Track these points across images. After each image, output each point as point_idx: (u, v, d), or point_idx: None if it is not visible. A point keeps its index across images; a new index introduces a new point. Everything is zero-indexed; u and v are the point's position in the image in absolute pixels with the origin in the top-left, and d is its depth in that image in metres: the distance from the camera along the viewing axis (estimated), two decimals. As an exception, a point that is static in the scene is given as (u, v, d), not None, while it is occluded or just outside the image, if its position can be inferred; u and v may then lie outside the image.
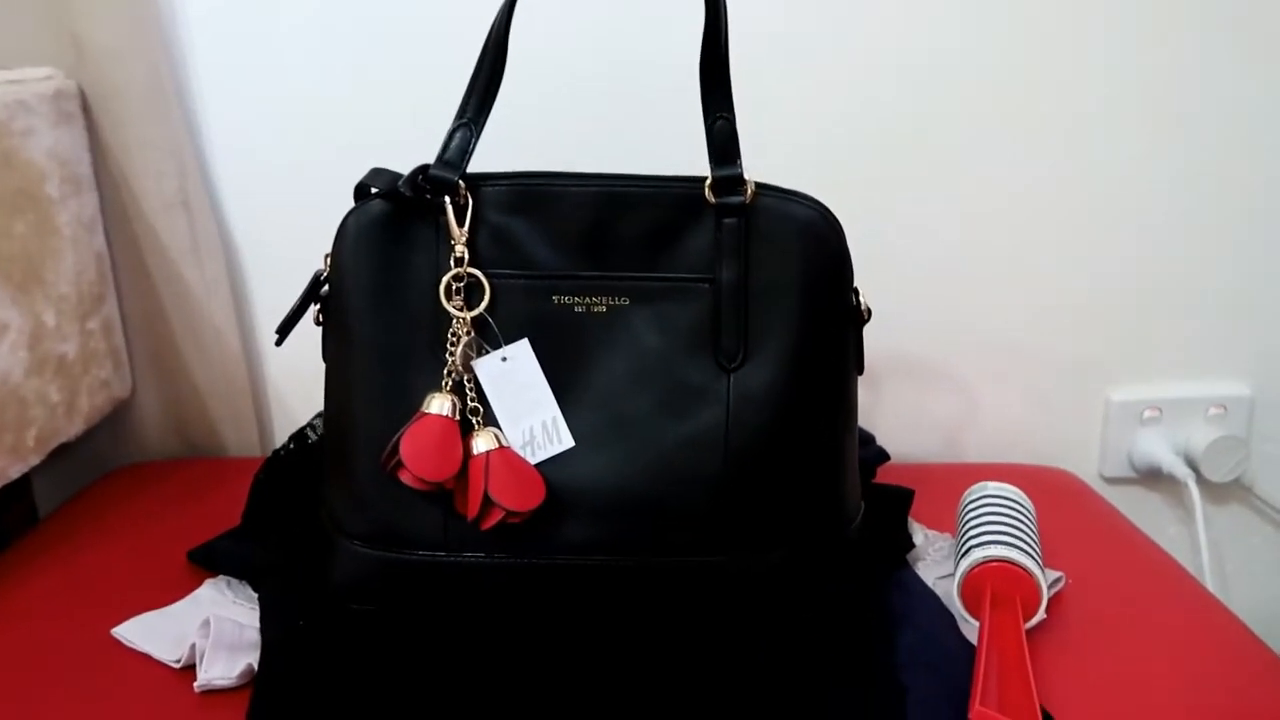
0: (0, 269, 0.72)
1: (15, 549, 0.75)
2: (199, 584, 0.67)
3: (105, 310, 0.85)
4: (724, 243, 0.58)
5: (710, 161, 0.58)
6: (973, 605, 0.62)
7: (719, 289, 0.58)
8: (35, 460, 0.77)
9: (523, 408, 0.58)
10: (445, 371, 0.58)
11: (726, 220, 0.58)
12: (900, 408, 0.95)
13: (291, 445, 0.76)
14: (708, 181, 0.58)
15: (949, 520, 0.75)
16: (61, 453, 0.86)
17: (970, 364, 0.95)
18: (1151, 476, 0.98)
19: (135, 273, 0.87)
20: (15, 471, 0.74)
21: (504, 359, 0.58)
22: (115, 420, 0.91)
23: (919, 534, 0.75)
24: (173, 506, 0.81)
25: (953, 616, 0.63)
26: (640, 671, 0.57)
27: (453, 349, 0.58)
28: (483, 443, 0.57)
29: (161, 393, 0.91)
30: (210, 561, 0.68)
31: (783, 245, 0.58)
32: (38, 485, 0.87)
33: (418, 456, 0.55)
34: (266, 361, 0.93)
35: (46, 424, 0.78)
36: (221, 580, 0.67)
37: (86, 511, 0.81)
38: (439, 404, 0.57)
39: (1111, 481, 0.99)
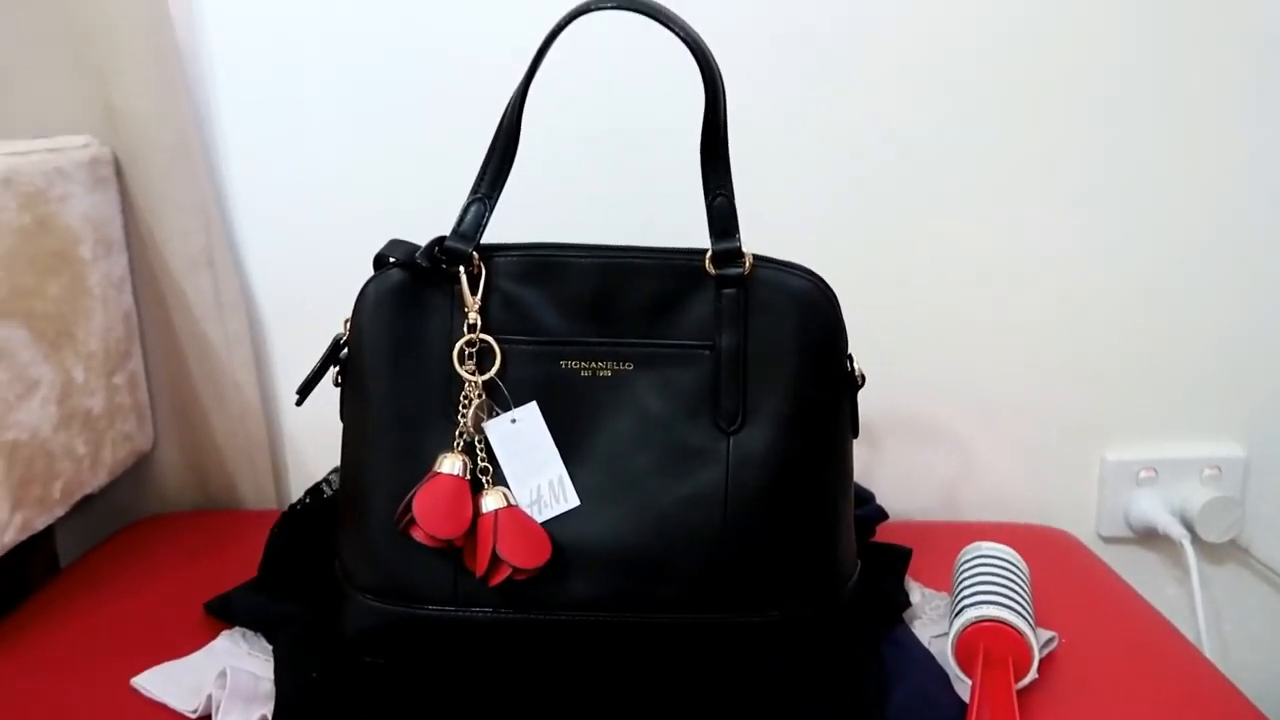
0: (34, 328, 0.76)
1: (36, 599, 0.78)
2: (215, 635, 0.69)
3: (131, 365, 0.88)
4: (724, 312, 0.61)
5: (710, 235, 0.61)
6: (966, 664, 0.64)
7: (719, 355, 0.61)
8: (60, 511, 0.79)
9: (530, 468, 0.61)
10: (457, 433, 0.60)
11: (726, 290, 0.61)
12: (899, 466, 0.97)
13: (307, 500, 0.79)
14: (708, 254, 0.61)
15: (947, 579, 0.77)
16: (84, 504, 0.89)
17: (968, 423, 0.97)
18: (1148, 536, 0.99)
19: (160, 329, 0.91)
20: (41, 523, 0.77)
21: (513, 421, 0.61)
22: (137, 472, 0.94)
23: (916, 592, 0.76)
24: (191, 558, 0.84)
25: (947, 675, 0.64)
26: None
27: (464, 411, 0.60)
28: (492, 501, 0.60)
29: (182, 446, 0.94)
30: (226, 613, 0.70)
31: (780, 315, 0.61)
32: (60, 535, 0.89)
33: (429, 514, 0.58)
34: (284, 418, 0.96)
35: (73, 476, 0.80)
36: (237, 632, 0.69)
37: (107, 562, 0.83)
38: (450, 464, 0.60)
39: (1109, 541, 1.00)
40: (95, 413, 0.83)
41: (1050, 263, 0.93)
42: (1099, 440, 0.98)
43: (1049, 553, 0.84)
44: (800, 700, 0.60)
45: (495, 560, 0.58)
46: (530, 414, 0.61)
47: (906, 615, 0.72)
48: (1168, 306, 0.95)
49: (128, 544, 0.86)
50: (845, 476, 0.65)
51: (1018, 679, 0.62)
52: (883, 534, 0.85)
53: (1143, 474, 0.97)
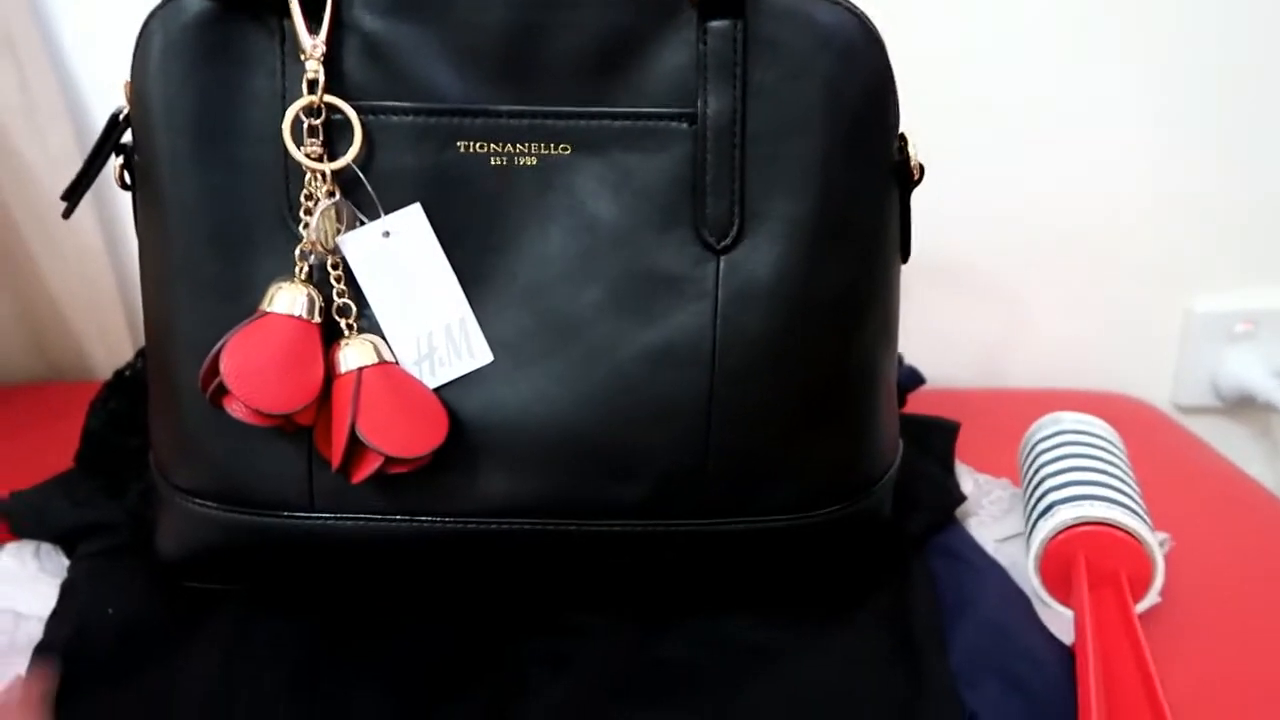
0: None
1: None
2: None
3: (-79, 193, 0.66)
4: (711, 56, 0.39)
5: (690, -73, 0.38)
6: (1057, 583, 0.45)
7: (703, 129, 0.39)
8: None
9: (414, 306, 0.40)
10: (298, 251, 0.39)
11: (714, 24, 0.39)
12: (931, 319, 0.76)
13: (139, 363, 0.58)
14: (685, -39, 0.39)
15: (1000, 462, 0.57)
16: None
17: (1019, 265, 0.76)
18: (1240, 405, 0.80)
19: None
20: None
21: (385, 233, 0.39)
22: (-45, 335, 0.73)
23: (967, 479, 0.57)
24: (10, 440, 0.64)
25: (1027, 598, 0.46)
26: (571, 691, 0.40)
27: (307, 217, 0.39)
28: (354, 356, 0.39)
29: (11, 304, 0.72)
30: (14, 518, 0.50)
31: (799, 62, 0.39)
32: None
33: (249, 376, 0.37)
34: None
35: None
36: (29, 546, 0.49)
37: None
38: (287, 298, 0.39)
39: (1188, 411, 0.81)
40: None
41: (1143, 72, 0.70)
42: (1183, 287, 0.78)
43: (1124, 429, 0.64)
44: (815, 643, 0.42)
45: (356, 444, 0.38)
46: (411, 222, 0.40)
47: (959, 512, 0.53)
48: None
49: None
50: (889, 316, 0.45)
51: (1136, 600, 0.43)
52: (914, 404, 0.65)
53: (1239, 327, 0.78)
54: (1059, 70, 0.71)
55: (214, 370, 0.37)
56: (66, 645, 0.40)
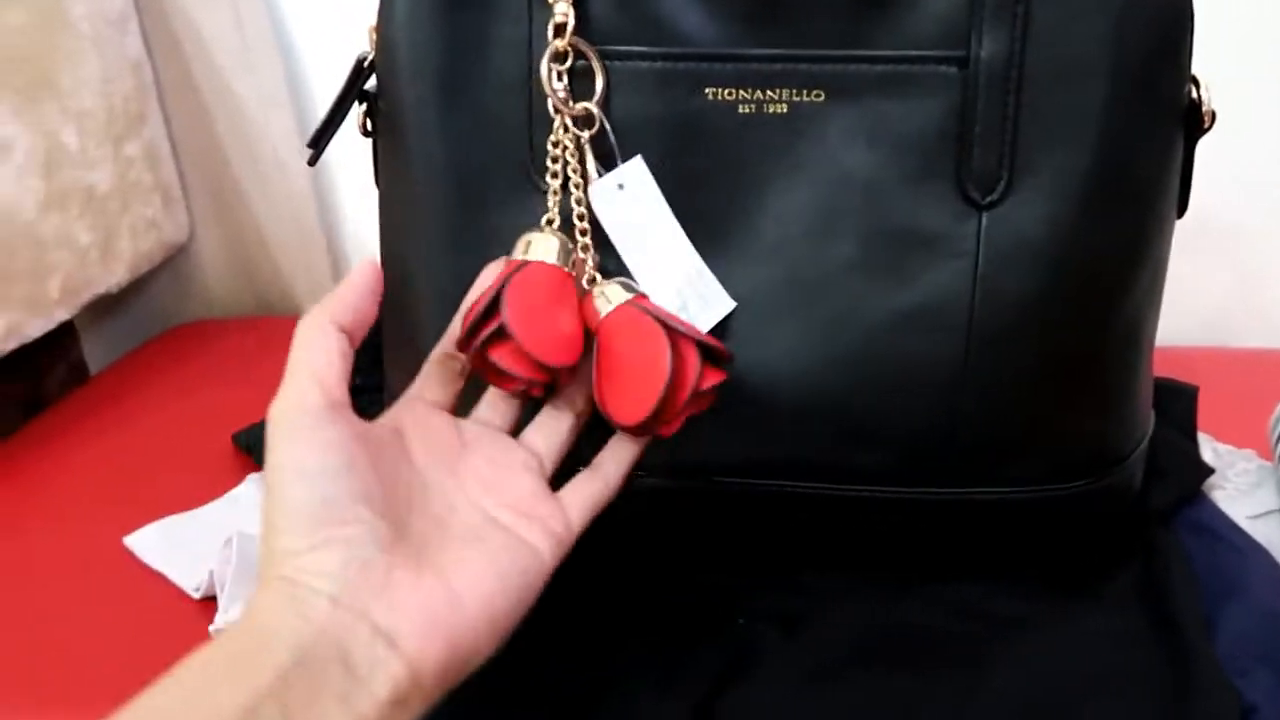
0: (-8, 71, 0.57)
1: (50, 413, 0.63)
2: (244, 477, 0.53)
3: (147, 133, 0.69)
4: None
5: None
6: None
7: (974, 73, 0.36)
8: (63, 315, 0.63)
9: (659, 257, 0.39)
10: (551, 197, 0.38)
11: (992, -41, 0.35)
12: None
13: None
14: (969, -115, 0.35)
15: (1239, 430, 0.53)
16: (113, 306, 0.73)
17: (1259, 216, 0.69)
18: None
19: (180, 88, 0.71)
20: (36, 328, 0.61)
21: (620, 185, 0.38)
22: (174, 269, 0.77)
23: (1206, 449, 0.53)
24: (233, 373, 0.67)
25: (1292, 583, 0.42)
26: (812, 652, 0.39)
27: (555, 164, 0.38)
28: (615, 294, 0.36)
29: (223, 237, 0.76)
30: (254, 451, 0.53)
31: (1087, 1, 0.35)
32: (90, 342, 0.74)
33: (531, 323, 0.34)
34: (343, 198, 0.76)
35: (76, 271, 0.63)
36: (267, 477, 0.52)
37: (131, 377, 0.68)
38: (542, 245, 0.37)
39: None
40: (101, 191, 0.65)
41: None
42: None
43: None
44: (1072, 617, 0.40)
45: (673, 380, 0.34)
46: (637, 174, 0.38)
47: (1204, 486, 0.49)
48: None
49: (159, 354, 0.71)
50: (1158, 281, 0.41)
51: None
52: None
53: None
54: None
55: (485, 317, 0.35)
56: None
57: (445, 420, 0.36)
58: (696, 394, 0.34)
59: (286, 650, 0.26)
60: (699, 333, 0.35)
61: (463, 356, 0.36)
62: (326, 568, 0.28)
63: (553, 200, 0.38)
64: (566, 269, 0.37)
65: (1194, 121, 0.38)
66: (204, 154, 0.73)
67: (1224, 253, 0.71)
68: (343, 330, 0.32)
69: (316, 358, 0.31)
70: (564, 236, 0.38)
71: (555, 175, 0.38)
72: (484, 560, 0.31)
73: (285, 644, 0.26)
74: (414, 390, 0.37)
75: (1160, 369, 0.58)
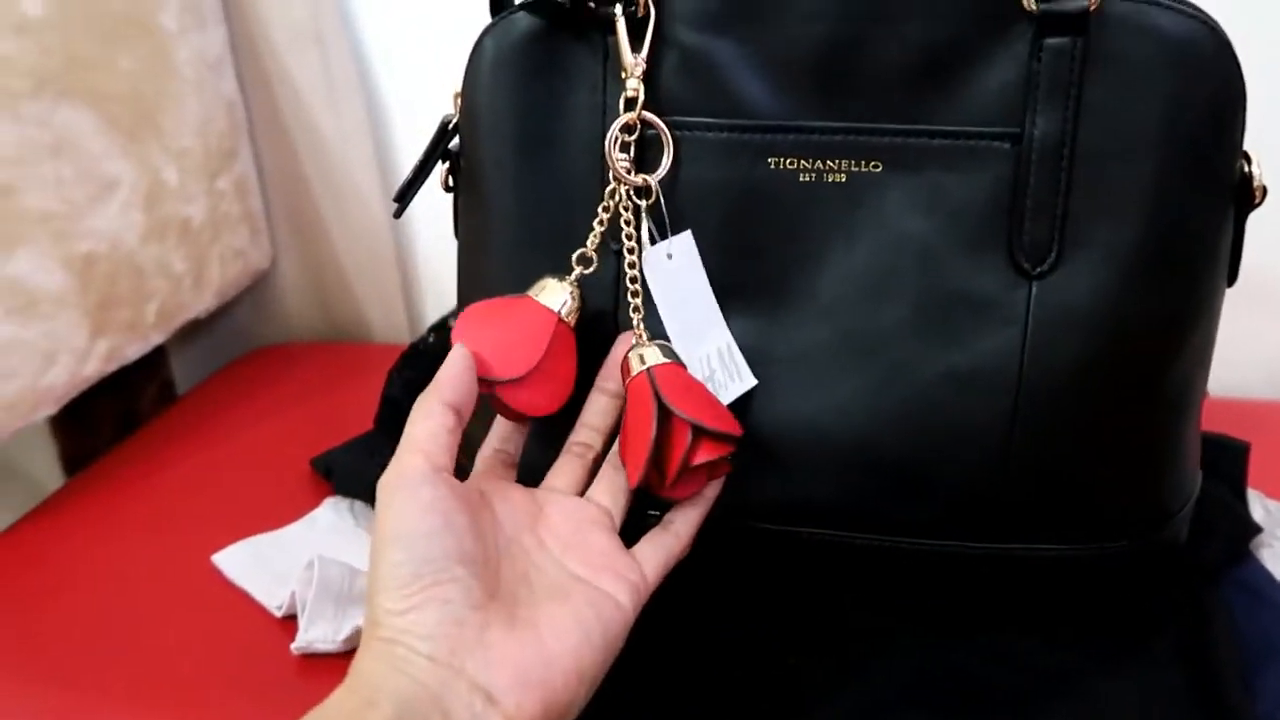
0: (104, 112, 0.61)
1: (144, 432, 0.67)
2: (323, 498, 0.56)
3: (237, 168, 0.74)
4: (1044, 75, 0.37)
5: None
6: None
7: (1028, 150, 0.38)
8: (158, 339, 0.67)
9: (695, 326, 0.41)
10: (576, 255, 0.41)
11: (1051, 41, 0.37)
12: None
13: (431, 338, 0.63)
14: (1026, -24, 0.37)
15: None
16: (199, 329, 0.77)
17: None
18: None
19: (269, 125, 0.75)
20: (135, 351, 0.65)
21: (669, 255, 0.41)
22: (255, 295, 0.81)
23: (1257, 506, 0.53)
24: (308, 396, 0.71)
25: (1337, 648, 0.43)
26: (863, 698, 0.40)
27: (601, 222, 0.41)
28: (650, 356, 0.40)
29: (303, 265, 0.80)
30: (331, 476, 0.56)
31: (1141, 78, 0.37)
32: (177, 362, 0.79)
33: (472, 329, 0.39)
34: (417, 231, 0.79)
35: (170, 297, 0.68)
36: (344, 501, 0.55)
37: (216, 398, 0.71)
38: (552, 294, 0.40)
39: None
40: (196, 223, 0.69)
41: None
42: None
43: None
44: (1110, 671, 0.41)
45: (663, 438, 0.38)
46: (685, 247, 0.41)
47: (1252, 542, 0.50)
48: None
49: (241, 376, 0.75)
50: (1206, 348, 0.42)
51: None
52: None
53: None
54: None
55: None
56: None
57: (520, 487, 0.38)
58: (689, 468, 0.37)
59: (390, 706, 0.28)
60: (698, 414, 0.38)
61: None
62: (423, 628, 0.30)
63: (577, 256, 0.41)
64: (564, 318, 0.40)
65: (1245, 196, 0.39)
66: (288, 187, 0.77)
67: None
68: (450, 407, 0.35)
69: (422, 432, 0.34)
70: (576, 290, 0.41)
71: (600, 225, 0.41)
72: (570, 614, 0.33)
73: (389, 700, 0.29)
74: (486, 454, 0.39)
75: (1221, 421, 0.59)
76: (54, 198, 0.58)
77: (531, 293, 0.41)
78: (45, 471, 0.71)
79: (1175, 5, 0.37)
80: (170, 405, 0.72)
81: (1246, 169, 0.39)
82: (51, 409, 0.60)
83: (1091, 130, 0.37)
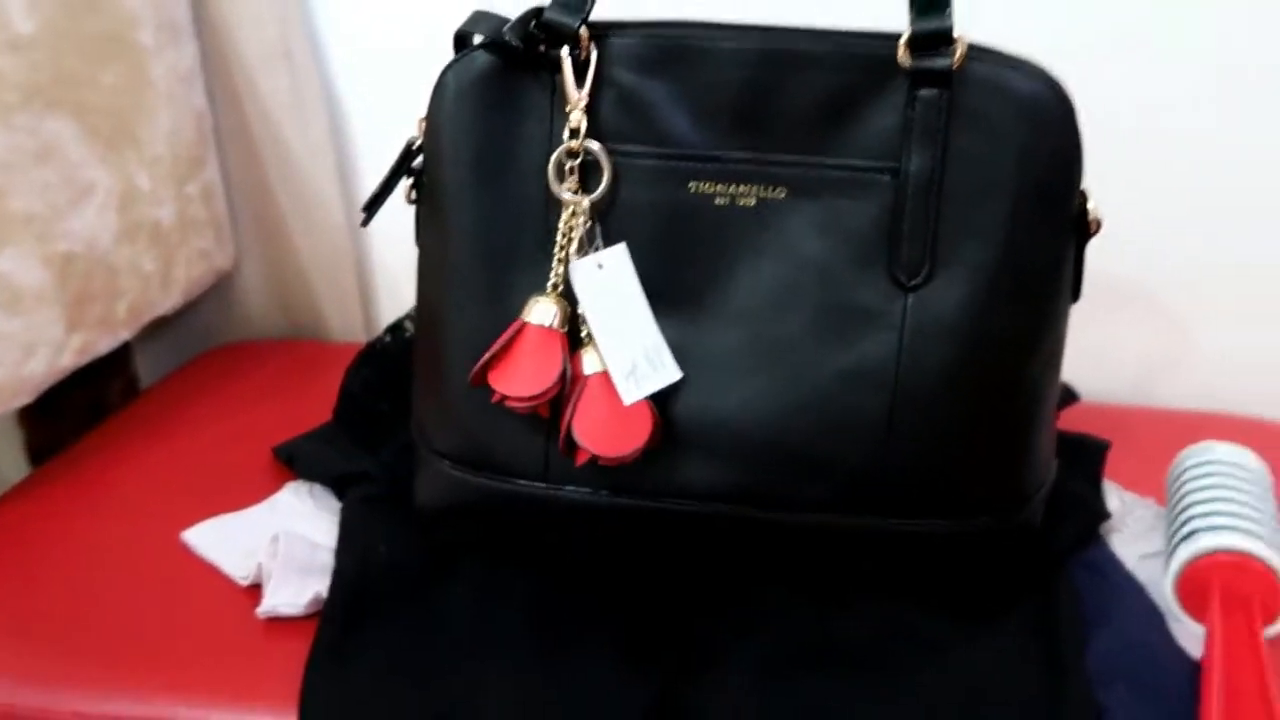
0: (86, 123, 0.66)
1: (110, 422, 0.71)
2: (284, 483, 0.61)
3: (205, 175, 0.78)
4: (917, 121, 0.45)
5: (911, 9, 0.44)
6: (1192, 603, 0.50)
7: (904, 182, 0.45)
8: (127, 334, 0.72)
9: (623, 329, 0.47)
10: (553, 270, 0.47)
11: (923, 92, 0.45)
12: (1089, 334, 0.79)
13: (388, 338, 0.68)
14: (904, 38, 0.44)
15: (1149, 482, 0.61)
16: (164, 326, 0.81)
17: (1185, 284, 0.77)
18: None
19: (237, 134, 0.80)
20: (105, 345, 0.70)
21: (599, 265, 0.47)
22: (219, 294, 0.86)
23: (1113, 497, 0.61)
24: (268, 391, 0.76)
25: (1161, 614, 0.50)
26: (759, 655, 0.47)
27: (563, 243, 0.47)
28: (590, 363, 0.47)
29: (265, 267, 0.85)
30: (293, 462, 0.61)
31: (997, 129, 0.44)
32: (141, 358, 0.83)
33: (506, 370, 0.46)
34: (375, 237, 0.85)
35: (140, 295, 0.72)
36: (304, 485, 0.60)
37: (180, 392, 0.76)
38: (542, 311, 0.47)
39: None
40: (165, 226, 0.74)
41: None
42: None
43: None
44: (972, 639, 0.48)
45: (571, 440, 0.46)
46: (618, 258, 0.47)
47: (1104, 527, 0.57)
48: None
49: (206, 371, 0.79)
50: (1056, 354, 0.50)
51: (1265, 625, 0.48)
52: (1067, 420, 0.69)
53: None
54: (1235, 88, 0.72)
55: (486, 366, 0.46)
56: (351, 573, 0.51)
57: None
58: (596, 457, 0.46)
59: None
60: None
61: None
62: None
63: (554, 272, 0.47)
64: (558, 329, 0.47)
65: (1083, 228, 0.47)
66: (254, 193, 0.82)
67: (1156, 317, 0.79)
68: None
69: None
70: (564, 302, 0.47)
71: (562, 249, 0.47)
72: None
73: None
74: None
75: (1089, 423, 0.67)
76: (38, 201, 0.62)
77: (524, 316, 0.47)
78: (9, 461, 0.75)
79: (1025, 67, 0.45)
80: (135, 398, 0.76)
81: (1085, 204, 0.47)
82: (28, 398, 0.64)
83: (956, 170, 0.45)
